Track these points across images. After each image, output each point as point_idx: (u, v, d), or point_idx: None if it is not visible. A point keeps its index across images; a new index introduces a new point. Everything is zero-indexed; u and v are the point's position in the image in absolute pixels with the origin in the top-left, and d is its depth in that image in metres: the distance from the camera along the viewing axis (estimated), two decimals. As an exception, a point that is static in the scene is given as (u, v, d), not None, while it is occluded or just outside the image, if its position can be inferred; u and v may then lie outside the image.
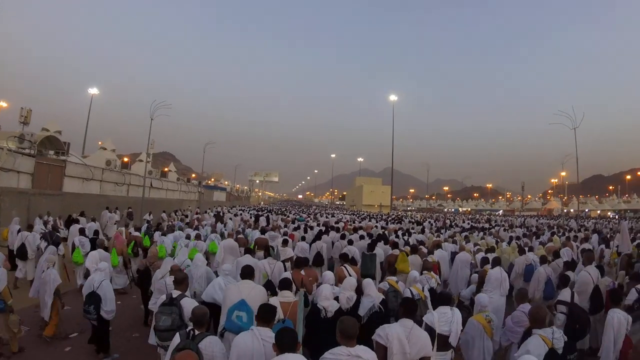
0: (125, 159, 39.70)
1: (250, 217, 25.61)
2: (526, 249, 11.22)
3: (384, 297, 5.95)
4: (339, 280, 6.72)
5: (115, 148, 33.95)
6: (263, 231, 13.97)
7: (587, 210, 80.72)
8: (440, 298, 5.35)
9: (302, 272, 6.96)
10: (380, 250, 10.73)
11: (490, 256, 9.19)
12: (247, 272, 5.48)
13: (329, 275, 6.47)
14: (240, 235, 12.46)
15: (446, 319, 4.84)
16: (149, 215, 22.78)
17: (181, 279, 5.30)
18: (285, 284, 5.43)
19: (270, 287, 6.04)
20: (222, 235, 12.62)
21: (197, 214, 29.39)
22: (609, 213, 74.60)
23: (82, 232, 12.17)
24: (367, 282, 5.95)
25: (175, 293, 5.03)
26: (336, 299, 5.60)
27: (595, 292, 7.20)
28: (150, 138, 55.04)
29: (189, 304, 4.77)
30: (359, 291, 5.83)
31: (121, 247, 10.92)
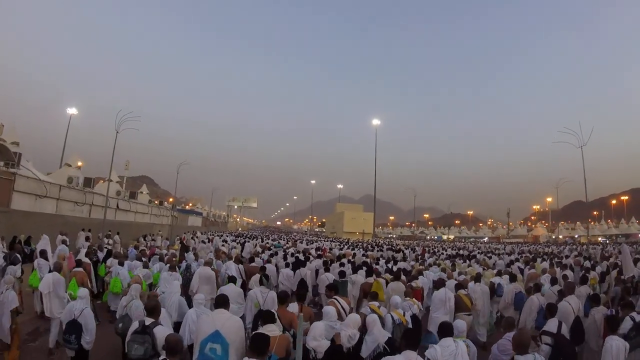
0: (102, 181, 36.88)
1: (227, 245, 23.91)
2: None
3: (390, 335, 5.58)
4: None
5: (81, 164, 31.60)
6: (238, 261, 12.45)
7: (576, 236, 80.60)
8: (442, 329, 5.08)
9: (289, 308, 6.41)
10: (361, 277, 10.63)
11: (472, 285, 9.70)
12: (222, 301, 5.15)
13: (330, 311, 5.98)
14: (213, 266, 10.91)
15: (450, 352, 4.64)
16: (106, 239, 20.30)
17: (152, 307, 5.13)
18: (267, 317, 5.03)
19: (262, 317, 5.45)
20: (188, 269, 11.22)
21: (181, 240, 27.28)
22: (599, 239, 74.20)
23: (42, 254, 11.06)
24: (372, 319, 5.58)
25: (148, 321, 4.85)
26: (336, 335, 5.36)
27: (576, 323, 7.01)
28: (128, 160, 53.03)
29: (162, 332, 4.58)
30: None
31: (82, 276, 9.55)
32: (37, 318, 9.55)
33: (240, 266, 11.75)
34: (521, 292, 9.39)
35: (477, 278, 10.25)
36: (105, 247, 18.47)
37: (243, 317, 7.48)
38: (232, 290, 7.90)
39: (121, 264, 10.81)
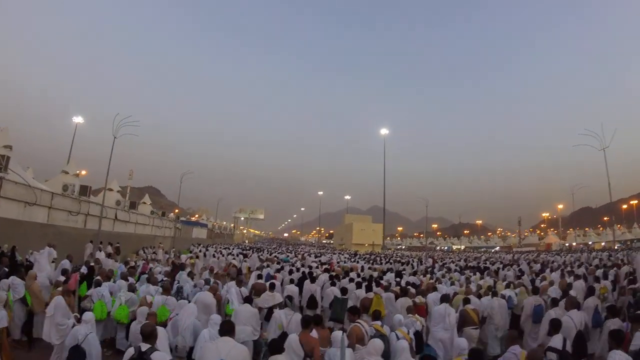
0: (112, 189, 35.45)
1: (235, 258, 23.08)
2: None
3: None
4: (357, 340, 6.02)
5: (85, 173, 30.51)
6: (239, 283, 11.27)
7: (590, 242, 78.61)
8: (474, 356, 5.02)
9: (313, 333, 5.92)
10: (363, 292, 10.42)
11: (490, 300, 9.72)
12: (228, 329, 4.96)
13: (339, 336, 5.39)
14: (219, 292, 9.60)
15: None
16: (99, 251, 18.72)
17: (149, 332, 4.87)
18: (274, 348, 4.86)
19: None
20: (179, 292, 9.78)
21: (193, 255, 26.11)
22: (615, 245, 71.97)
23: (18, 271, 9.50)
24: (402, 347, 5.61)
25: (145, 346, 4.59)
26: None
27: (578, 337, 7.06)
28: (131, 170, 51.96)
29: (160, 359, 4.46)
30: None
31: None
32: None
33: (243, 289, 10.43)
34: (541, 305, 9.24)
35: (494, 292, 10.19)
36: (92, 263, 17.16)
37: (257, 341, 7.33)
38: (247, 311, 7.52)
39: (98, 284, 9.13)
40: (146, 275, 10.94)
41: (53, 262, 15.21)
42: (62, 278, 9.80)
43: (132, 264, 15.74)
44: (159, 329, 5.57)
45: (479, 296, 10.42)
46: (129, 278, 10.40)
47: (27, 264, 15.68)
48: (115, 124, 20.86)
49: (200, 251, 29.40)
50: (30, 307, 8.70)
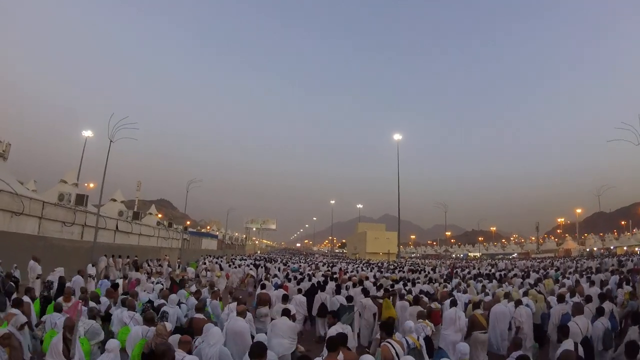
0: (115, 200, 34.03)
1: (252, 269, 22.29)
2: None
3: None
4: None
5: (86, 184, 29.12)
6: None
7: (612, 247, 75.66)
8: None
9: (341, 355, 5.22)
10: (369, 301, 10.43)
11: (518, 309, 9.38)
12: (257, 352, 4.53)
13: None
14: (199, 315, 7.41)
15: None
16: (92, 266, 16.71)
17: (161, 352, 4.62)
18: None
19: None
20: (163, 317, 7.34)
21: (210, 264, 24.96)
22: (635, 249, 68.98)
23: (18, 303, 7.09)
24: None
25: None
26: None
27: (584, 343, 6.86)
28: (139, 181, 50.75)
29: None
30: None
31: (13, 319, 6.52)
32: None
33: (249, 316, 7.87)
34: (568, 313, 8.95)
35: (518, 301, 9.85)
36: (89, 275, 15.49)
37: (294, 354, 6.97)
38: (284, 324, 7.21)
39: (58, 308, 7.28)
40: (126, 297, 8.42)
41: (38, 278, 13.57)
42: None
43: (113, 278, 13.85)
44: (190, 358, 5.05)
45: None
46: (101, 299, 8.39)
47: (12, 279, 14.23)
48: (110, 126, 19.31)
49: (215, 263, 27.73)
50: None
